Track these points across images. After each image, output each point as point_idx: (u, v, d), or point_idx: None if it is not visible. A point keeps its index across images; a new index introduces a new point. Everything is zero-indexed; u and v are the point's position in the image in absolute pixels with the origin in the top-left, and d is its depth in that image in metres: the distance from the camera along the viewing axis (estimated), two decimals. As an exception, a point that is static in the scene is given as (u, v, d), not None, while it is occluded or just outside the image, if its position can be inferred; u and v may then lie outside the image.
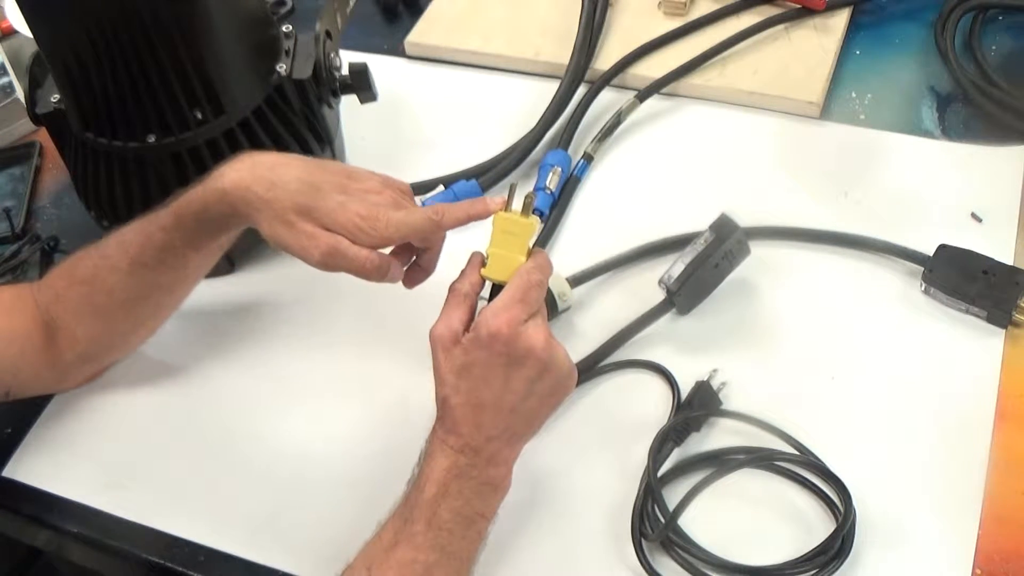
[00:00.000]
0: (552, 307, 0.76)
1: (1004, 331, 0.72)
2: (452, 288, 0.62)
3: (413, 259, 0.68)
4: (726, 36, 0.95)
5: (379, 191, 0.65)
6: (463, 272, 0.63)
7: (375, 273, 0.63)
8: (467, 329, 0.60)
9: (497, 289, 0.61)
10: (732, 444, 0.69)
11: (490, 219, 0.63)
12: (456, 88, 0.99)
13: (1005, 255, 0.75)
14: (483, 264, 0.62)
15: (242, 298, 0.84)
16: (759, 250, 0.78)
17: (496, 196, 0.64)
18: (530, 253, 0.62)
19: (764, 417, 0.68)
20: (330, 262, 0.62)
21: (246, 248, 0.75)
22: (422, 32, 1.04)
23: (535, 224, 0.63)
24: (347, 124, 0.88)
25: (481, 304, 0.61)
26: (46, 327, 0.72)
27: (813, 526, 0.64)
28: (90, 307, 0.72)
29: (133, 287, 0.71)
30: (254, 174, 0.64)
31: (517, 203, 0.64)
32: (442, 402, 0.60)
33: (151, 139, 0.76)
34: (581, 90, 0.94)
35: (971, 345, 0.72)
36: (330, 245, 0.62)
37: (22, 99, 0.86)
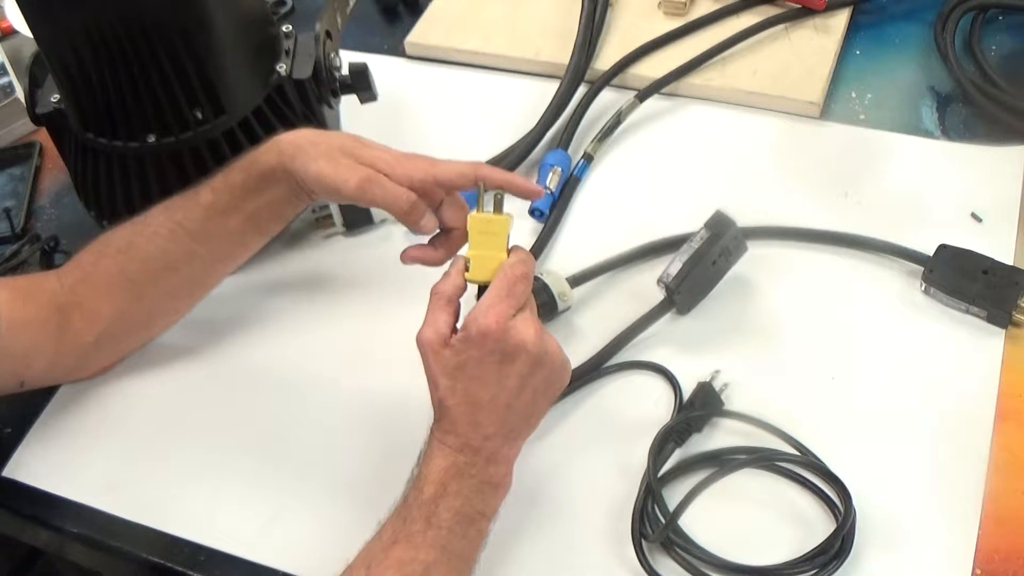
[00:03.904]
0: (552, 307, 0.76)
1: (1004, 331, 0.72)
2: (435, 291, 0.62)
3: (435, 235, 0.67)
4: (726, 36, 0.95)
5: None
6: (445, 274, 0.63)
7: (408, 209, 0.63)
8: (453, 331, 0.60)
9: (484, 291, 0.61)
10: (732, 444, 0.69)
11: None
12: (456, 88, 0.99)
13: (1005, 255, 0.75)
14: (466, 269, 0.62)
15: (241, 300, 0.83)
16: (759, 250, 0.78)
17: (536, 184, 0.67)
18: (510, 250, 0.63)
19: (764, 417, 0.68)
20: (367, 188, 0.63)
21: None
22: (422, 32, 1.04)
23: (510, 220, 0.63)
24: (347, 124, 0.88)
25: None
26: (64, 311, 0.72)
27: (813, 526, 0.64)
28: (121, 277, 0.73)
29: (170, 255, 0.72)
30: (306, 130, 0.69)
31: (492, 206, 0.64)
32: (438, 404, 0.61)
33: (151, 139, 0.76)
34: (581, 90, 0.94)
35: (971, 345, 0.72)
36: (369, 172, 0.64)
37: (22, 99, 0.86)
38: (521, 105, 0.94)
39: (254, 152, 0.68)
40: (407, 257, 0.66)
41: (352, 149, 0.65)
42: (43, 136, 0.95)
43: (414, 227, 0.65)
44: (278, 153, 0.67)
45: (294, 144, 0.66)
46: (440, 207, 0.66)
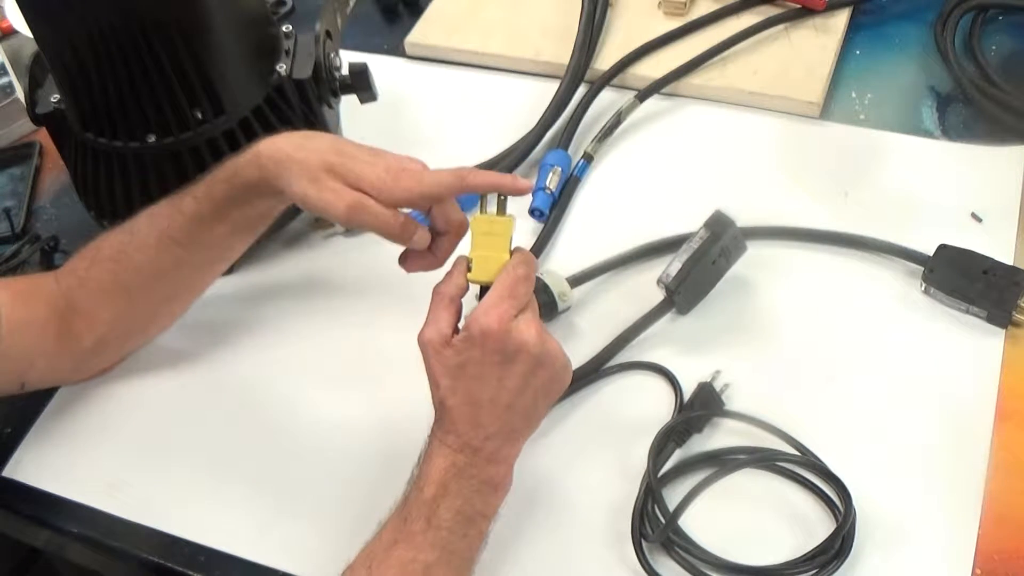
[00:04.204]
0: (552, 307, 0.76)
1: (1004, 331, 0.72)
2: (437, 291, 0.62)
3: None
4: (726, 36, 0.95)
5: (407, 161, 0.65)
6: (448, 274, 0.63)
7: (398, 231, 0.63)
8: (455, 331, 0.60)
9: (486, 291, 0.61)
10: (732, 444, 0.69)
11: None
12: (456, 88, 0.99)
13: (1005, 255, 0.75)
14: (468, 269, 0.62)
15: (241, 301, 0.84)
16: (759, 250, 0.78)
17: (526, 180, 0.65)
18: (513, 251, 0.63)
19: (764, 417, 0.68)
20: (354, 216, 0.62)
21: (246, 250, 0.76)
22: (422, 32, 1.04)
23: (513, 221, 0.63)
24: (347, 124, 0.88)
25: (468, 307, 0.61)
26: (63, 315, 0.72)
27: (813, 526, 0.64)
28: (115, 285, 0.72)
29: (160, 263, 0.71)
30: (286, 139, 0.66)
31: (495, 206, 0.64)
32: (439, 404, 0.61)
33: (151, 139, 0.76)
34: (581, 90, 0.94)
35: (971, 345, 0.72)
36: (355, 198, 0.62)
37: (22, 99, 0.86)
38: (521, 105, 0.94)
39: (234, 163, 0.66)
40: (409, 268, 0.66)
41: (335, 166, 0.63)
42: (43, 136, 0.95)
43: (406, 245, 0.64)
44: (259, 168, 0.65)
45: (274, 160, 0.64)
46: (431, 212, 0.65)
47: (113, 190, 0.79)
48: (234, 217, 0.69)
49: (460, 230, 0.66)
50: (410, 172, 0.63)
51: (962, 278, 0.73)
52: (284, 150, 0.64)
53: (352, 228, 0.64)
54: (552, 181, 0.85)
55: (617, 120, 0.90)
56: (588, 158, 0.88)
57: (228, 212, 0.69)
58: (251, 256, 0.84)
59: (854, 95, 0.91)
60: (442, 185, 0.63)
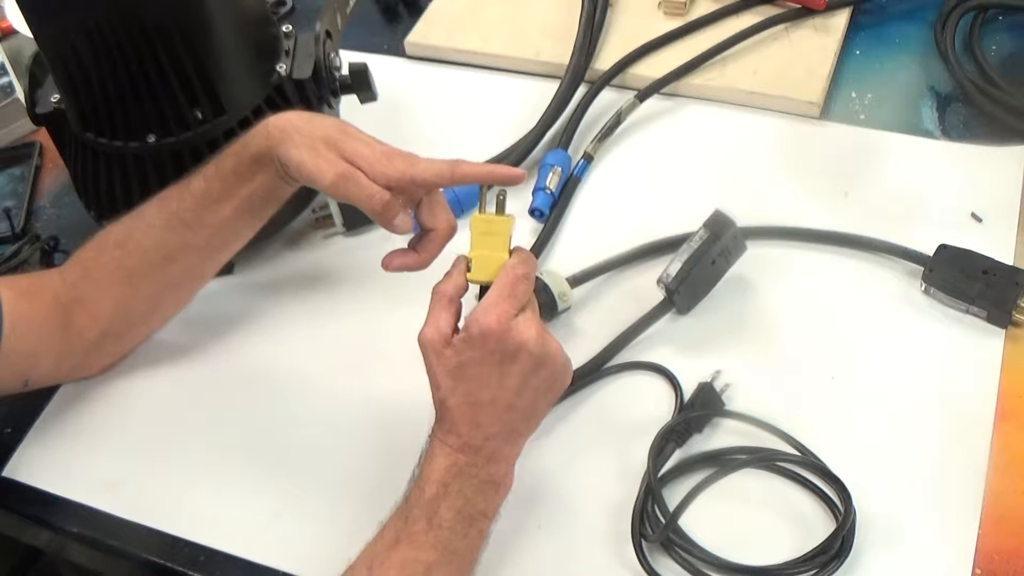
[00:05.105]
0: (552, 307, 0.76)
1: (1004, 331, 0.72)
2: (436, 291, 0.62)
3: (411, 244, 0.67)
4: (726, 36, 0.95)
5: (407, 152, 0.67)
6: (447, 274, 0.63)
7: (381, 208, 0.63)
8: (455, 331, 0.60)
9: (485, 291, 0.61)
10: (732, 444, 0.69)
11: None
12: (456, 88, 1.00)
13: (1005, 255, 0.75)
14: (468, 269, 0.62)
15: (241, 300, 0.84)
16: (759, 250, 0.78)
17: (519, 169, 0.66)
18: (512, 251, 0.63)
19: (764, 417, 0.68)
20: (341, 185, 0.63)
21: (246, 250, 0.76)
22: (422, 32, 1.04)
23: (512, 221, 0.63)
24: (347, 124, 0.88)
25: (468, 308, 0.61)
26: (67, 310, 0.72)
27: (813, 526, 0.64)
28: (121, 272, 0.73)
29: (167, 246, 0.72)
30: (296, 114, 0.68)
31: (493, 207, 0.64)
32: (439, 404, 0.61)
33: (151, 139, 0.76)
34: (581, 90, 0.94)
35: (971, 345, 0.72)
36: (346, 168, 0.63)
37: (22, 99, 0.86)
38: (521, 105, 0.94)
39: (245, 136, 0.68)
40: (389, 266, 0.65)
41: (336, 141, 0.65)
42: (43, 136, 0.95)
43: (387, 227, 0.64)
44: (266, 137, 0.67)
45: (280, 128, 0.66)
46: (419, 206, 0.65)
47: (113, 190, 0.79)
48: (240, 196, 0.70)
49: (447, 230, 0.65)
50: (405, 155, 0.64)
51: (962, 278, 0.73)
52: (292, 122, 0.67)
53: (338, 198, 0.65)
54: (552, 181, 0.85)
55: (617, 120, 0.90)
56: (588, 158, 0.88)
57: (236, 188, 0.69)
58: (251, 256, 0.84)
59: (854, 95, 0.91)
60: (434, 171, 0.63)
